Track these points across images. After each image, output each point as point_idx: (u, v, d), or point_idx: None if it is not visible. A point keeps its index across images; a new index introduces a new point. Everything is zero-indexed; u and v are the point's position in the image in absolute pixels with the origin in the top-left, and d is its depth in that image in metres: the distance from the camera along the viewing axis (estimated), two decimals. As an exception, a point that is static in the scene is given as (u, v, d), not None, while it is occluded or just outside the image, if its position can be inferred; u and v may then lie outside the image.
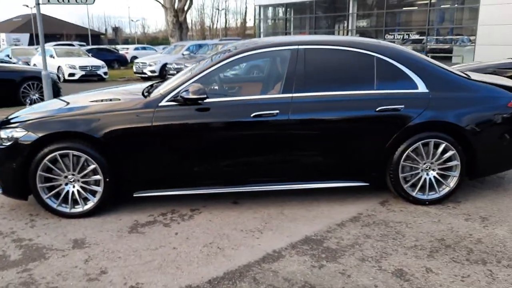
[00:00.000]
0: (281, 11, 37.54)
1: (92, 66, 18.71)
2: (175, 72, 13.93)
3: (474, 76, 4.41)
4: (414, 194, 3.94)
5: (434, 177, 3.94)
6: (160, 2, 24.26)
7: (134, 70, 19.17)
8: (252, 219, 3.76)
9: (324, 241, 3.36)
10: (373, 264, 3.02)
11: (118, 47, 38.49)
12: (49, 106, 4.20)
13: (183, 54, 17.91)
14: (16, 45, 43.61)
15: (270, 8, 37.99)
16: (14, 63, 21.03)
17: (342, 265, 3.01)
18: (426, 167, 3.91)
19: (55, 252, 3.24)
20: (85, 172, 3.72)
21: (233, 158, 3.82)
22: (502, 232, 3.45)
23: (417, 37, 28.33)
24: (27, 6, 47.41)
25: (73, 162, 3.69)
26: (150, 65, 18.24)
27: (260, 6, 37.80)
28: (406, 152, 3.83)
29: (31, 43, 46.62)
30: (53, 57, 19.39)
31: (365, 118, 3.81)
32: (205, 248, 3.27)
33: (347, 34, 32.03)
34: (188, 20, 36.86)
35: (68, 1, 7.94)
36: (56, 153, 3.65)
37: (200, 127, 3.75)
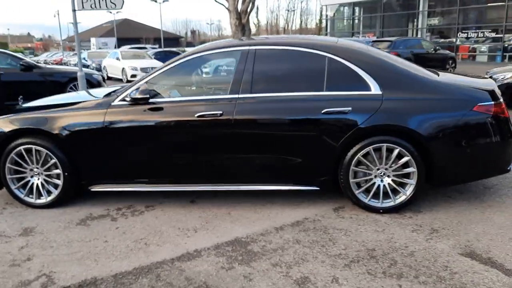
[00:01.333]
0: (347, 10, 36.73)
1: (152, 68, 19.67)
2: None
3: (446, 76, 4.09)
4: (366, 201, 3.75)
5: (389, 184, 3.72)
6: (224, 5, 24.90)
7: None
8: (196, 218, 3.80)
9: (251, 243, 3.32)
10: (282, 270, 2.94)
11: (188, 49, 39.91)
12: (31, 104, 4.56)
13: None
14: (100, 48, 46.79)
15: (337, 8, 37.33)
16: (88, 65, 22.86)
17: (251, 269, 2.96)
18: (380, 173, 3.70)
19: (1, 238, 3.53)
20: (47, 166, 4.00)
21: (181, 157, 3.89)
22: (443, 246, 3.18)
23: (493, 35, 26.35)
24: (111, 12, 50.92)
25: (36, 156, 3.98)
26: (204, 67, 18.80)
27: (326, 6, 37.30)
28: (356, 157, 3.66)
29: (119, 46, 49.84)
30: (119, 60, 20.73)
31: (310, 120, 3.69)
32: (133, 243, 3.38)
33: (417, 33, 30.59)
34: (263, 22, 37.20)
35: (100, 7, 8.46)
36: (21, 147, 3.96)
37: (148, 126, 3.86)
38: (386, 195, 3.73)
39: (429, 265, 2.93)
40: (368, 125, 3.59)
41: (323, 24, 40.70)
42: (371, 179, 3.73)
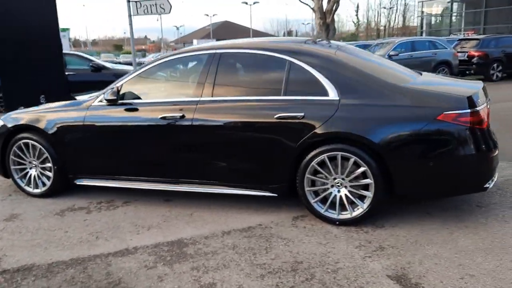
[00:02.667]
0: (446, 6, 34.28)
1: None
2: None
3: (424, 80, 3.75)
4: (322, 211, 3.58)
5: (346, 195, 3.51)
6: (309, 5, 24.82)
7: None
8: (159, 217, 3.93)
9: (189, 245, 3.37)
10: (197, 274, 2.94)
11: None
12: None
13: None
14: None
15: (434, 4, 35.04)
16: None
17: (169, 270, 3.01)
18: (337, 183, 3.51)
19: (-12, 221, 3.99)
20: (41, 159, 4.42)
21: (150, 156, 4.04)
22: (376, 266, 2.93)
23: None
24: (207, 15, 53.43)
25: (32, 150, 4.42)
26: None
27: (422, 2, 35.22)
28: (311, 165, 3.51)
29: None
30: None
31: (264, 126, 3.61)
32: (86, 236, 3.61)
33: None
34: (363, 20, 36.11)
35: (151, 12, 9.01)
36: (20, 142, 4.43)
37: (120, 126, 4.08)
38: (344, 207, 3.52)
39: (345, 284, 2.73)
40: (322, 132, 3.43)
41: (420, 22, 38.45)
42: (327, 188, 3.55)
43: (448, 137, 3.26)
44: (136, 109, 4.03)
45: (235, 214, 3.90)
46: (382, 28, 70.87)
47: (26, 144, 4.43)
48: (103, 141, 4.15)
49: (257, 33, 58.71)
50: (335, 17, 25.12)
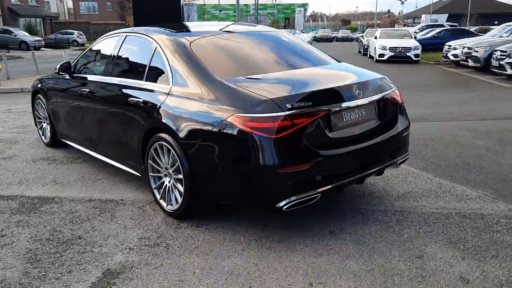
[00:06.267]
0: None
1: (402, 48, 18.83)
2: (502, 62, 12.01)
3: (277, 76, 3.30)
4: (158, 198, 3.62)
5: (171, 187, 3.47)
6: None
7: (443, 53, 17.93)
8: (77, 175, 4.59)
9: (51, 203, 3.94)
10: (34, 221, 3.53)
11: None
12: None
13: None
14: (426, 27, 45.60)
15: None
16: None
17: (26, 217, 3.68)
18: (168, 172, 3.50)
19: (-7, 157, 5.35)
20: (44, 117, 5.58)
21: (79, 123, 4.71)
22: (116, 259, 2.95)
23: None
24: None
25: (41, 109, 5.62)
26: (454, 49, 16.65)
27: None
28: (150, 151, 3.58)
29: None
30: (376, 38, 20.70)
31: (124, 108, 3.80)
32: (26, 176, 4.55)
33: None
34: None
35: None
36: (37, 100, 5.67)
37: (67, 95, 4.84)
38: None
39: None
40: (152, 120, 3.46)
41: None
42: (162, 177, 3.56)
43: (234, 143, 2.88)
44: (86, 84, 4.67)
45: (118, 186, 4.23)
46: None
47: (37, 103, 5.63)
48: (62, 107, 5.00)
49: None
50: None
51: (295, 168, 2.82)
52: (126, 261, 2.88)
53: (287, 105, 2.82)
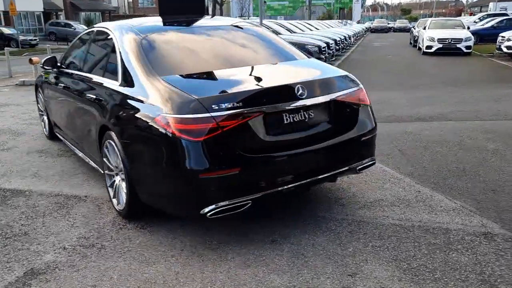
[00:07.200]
0: None
1: (451, 39, 17.71)
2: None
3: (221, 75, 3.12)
4: (112, 197, 3.59)
5: (120, 185, 3.42)
6: None
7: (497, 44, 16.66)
8: (57, 169, 4.68)
9: (23, 196, 4.03)
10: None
11: None
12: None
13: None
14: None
15: None
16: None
17: (-26, 209, 3.80)
18: (118, 171, 3.45)
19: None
20: (43, 111, 5.74)
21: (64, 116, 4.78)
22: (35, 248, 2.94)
23: None
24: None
25: (39, 101, 5.80)
26: (509, 40, 15.43)
27: None
28: (103, 149, 3.54)
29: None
30: (425, 29, 19.61)
31: (83, 103, 3.80)
32: (14, 167, 4.72)
33: None
34: None
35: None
36: (37, 94, 5.86)
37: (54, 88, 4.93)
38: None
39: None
40: (103, 118, 3.41)
41: None
42: (113, 175, 3.52)
43: (160, 144, 2.76)
44: (60, 76, 4.74)
45: (90, 182, 4.25)
46: None
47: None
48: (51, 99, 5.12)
49: None
50: None
51: (220, 173, 2.66)
52: (53, 261, 2.86)
53: (213, 106, 2.65)
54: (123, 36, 3.55)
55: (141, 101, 2.97)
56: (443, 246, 2.87)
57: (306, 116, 2.97)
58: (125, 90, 3.20)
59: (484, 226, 3.11)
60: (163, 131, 2.70)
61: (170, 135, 2.66)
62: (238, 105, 2.70)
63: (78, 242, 3.11)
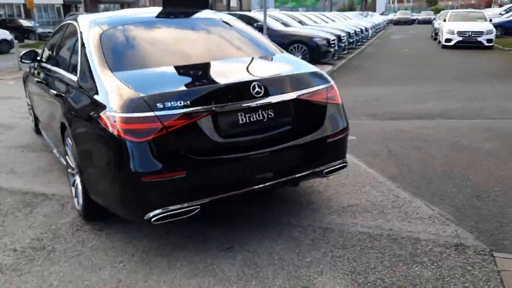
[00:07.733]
0: None
1: (472, 32, 17.08)
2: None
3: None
4: (73, 194, 3.47)
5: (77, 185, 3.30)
6: None
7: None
8: (35, 164, 4.62)
9: (-9, 193, 3.97)
10: None
11: None
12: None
13: None
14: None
15: None
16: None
17: None
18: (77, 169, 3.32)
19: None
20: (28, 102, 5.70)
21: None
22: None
23: None
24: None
25: (27, 96, 5.75)
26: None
27: None
28: (65, 147, 3.43)
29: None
30: (445, 21, 18.97)
31: (51, 98, 3.70)
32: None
33: None
34: None
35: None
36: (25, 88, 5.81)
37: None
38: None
39: None
40: (61, 114, 3.30)
41: None
42: (74, 174, 3.40)
43: (104, 144, 2.64)
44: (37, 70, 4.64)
45: (62, 179, 4.15)
46: None
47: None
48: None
49: None
50: None
51: (164, 177, 2.50)
52: (-2, 264, 2.76)
53: (158, 105, 2.49)
54: (88, 29, 3.40)
55: (91, 98, 2.83)
56: (407, 258, 2.65)
57: (265, 115, 2.78)
58: (80, 86, 3.07)
59: (457, 237, 2.87)
60: (109, 130, 2.56)
61: (115, 134, 2.51)
62: (185, 104, 2.53)
63: (30, 244, 3.01)
